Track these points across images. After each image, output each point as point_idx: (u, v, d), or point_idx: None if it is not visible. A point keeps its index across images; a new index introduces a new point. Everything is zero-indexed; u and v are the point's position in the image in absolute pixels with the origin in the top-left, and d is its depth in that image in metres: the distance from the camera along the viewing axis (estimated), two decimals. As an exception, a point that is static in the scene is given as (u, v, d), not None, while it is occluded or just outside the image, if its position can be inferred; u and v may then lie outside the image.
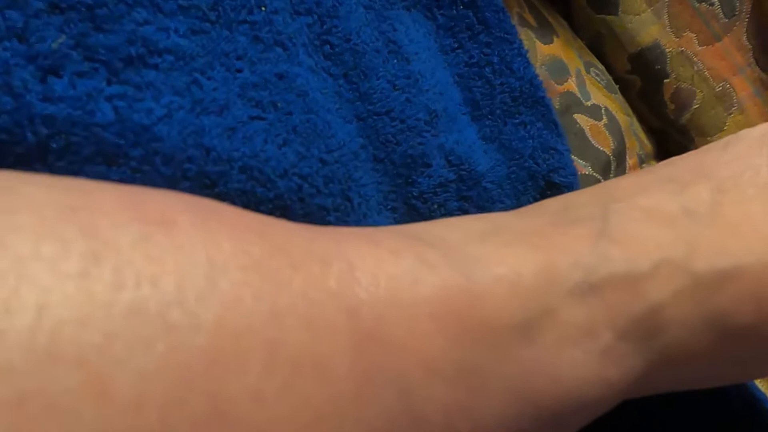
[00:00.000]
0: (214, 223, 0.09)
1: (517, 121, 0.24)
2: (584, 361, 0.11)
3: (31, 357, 0.06)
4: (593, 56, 0.34)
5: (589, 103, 0.30)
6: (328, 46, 0.19)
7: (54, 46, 0.12)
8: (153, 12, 0.14)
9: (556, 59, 0.30)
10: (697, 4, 0.30)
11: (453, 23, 0.24)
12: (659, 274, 0.11)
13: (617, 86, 0.34)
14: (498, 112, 0.23)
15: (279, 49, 0.17)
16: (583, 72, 0.32)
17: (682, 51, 0.31)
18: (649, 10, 0.32)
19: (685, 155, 0.15)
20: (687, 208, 0.12)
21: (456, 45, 0.24)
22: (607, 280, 0.11)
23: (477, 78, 0.23)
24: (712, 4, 0.30)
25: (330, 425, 0.08)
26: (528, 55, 0.26)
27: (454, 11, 0.24)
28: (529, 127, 0.24)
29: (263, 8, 0.17)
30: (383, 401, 0.08)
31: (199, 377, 0.07)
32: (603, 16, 0.33)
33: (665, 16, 0.31)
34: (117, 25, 0.13)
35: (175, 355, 0.07)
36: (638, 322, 0.11)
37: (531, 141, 0.23)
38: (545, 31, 0.31)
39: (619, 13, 0.33)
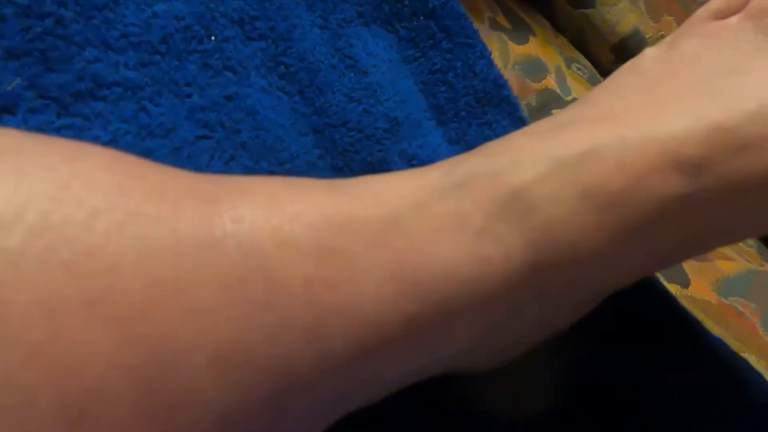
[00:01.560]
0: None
1: (482, 121, 0.24)
2: (458, 242, 0.11)
3: None
4: (577, 52, 0.34)
5: (569, 98, 0.30)
6: (282, 67, 0.20)
7: (9, 88, 0.14)
8: (103, 50, 0.16)
9: (532, 58, 0.30)
10: (673, -11, 0.30)
11: (414, 34, 0.24)
12: (520, 164, 0.12)
13: (602, 78, 0.33)
14: (463, 114, 0.24)
15: (229, 74, 0.18)
16: (564, 68, 0.32)
17: (662, 35, 0.31)
18: (625, 0, 0.31)
19: None
20: (556, 124, 0.14)
21: (419, 54, 0.24)
22: (471, 177, 0.12)
23: (441, 84, 0.24)
24: (687, -13, 0.29)
25: (144, 250, 0.08)
26: (497, 57, 0.26)
27: (415, 22, 0.25)
28: (494, 125, 0.24)
29: (213, 38, 0.19)
30: (226, 253, 0.09)
31: None
32: (582, 10, 0.34)
33: (641, 4, 0.31)
34: (68, 65, 0.15)
35: None
36: (506, 203, 0.12)
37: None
38: (520, 32, 0.31)
39: (597, 5, 0.33)
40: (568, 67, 0.32)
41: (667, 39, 0.16)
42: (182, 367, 0.08)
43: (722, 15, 0.16)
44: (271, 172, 0.18)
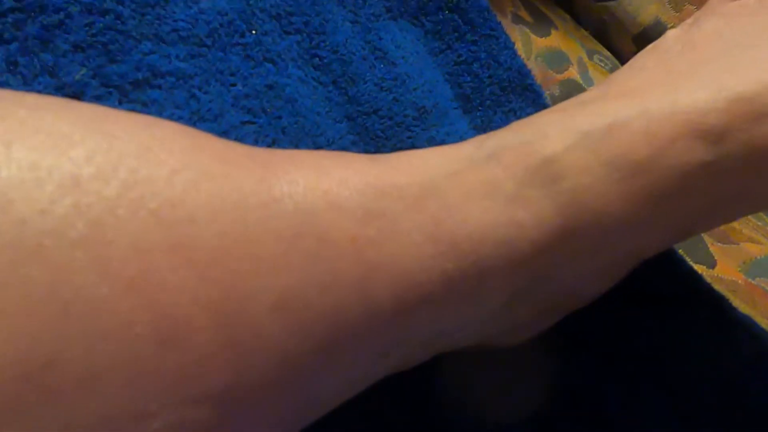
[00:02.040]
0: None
1: (507, 109, 0.25)
2: (491, 207, 0.12)
3: None
4: (598, 44, 0.34)
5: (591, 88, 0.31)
6: (317, 59, 0.21)
7: (77, 77, 0.16)
8: (157, 43, 0.17)
9: (554, 50, 0.31)
10: (694, -22, 0.30)
11: (440, 27, 0.25)
12: (548, 135, 0.13)
13: (625, 69, 0.34)
14: (488, 102, 0.25)
15: (269, 65, 0.20)
16: (586, 59, 0.32)
17: (684, 25, 0.31)
18: (646, -9, 0.32)
19: None
20: (580, 101, 0.15)
21: (444, 46, 0.25)
22: (502, 148, 0.13)
23: (466, 74, 0.25)
24: (709, -24, 0.30)
25: (223, 207, 0.10)
26: (520, 49, 0.27)
27: (440, 16, 0.26)
28: (519, 113, 0.25)
29: (254, 32, 0.20)
30: (284, 211, 0.10)
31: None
32: (603, 2, 0.34)
33: (663, -5, 0.31)
34: (127, 56, 0.16)
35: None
36: (536, 171, 0.13)
37: (521, 126, 0.24)
38: (542, 25, 0.32)
39: (618, -2, 0.33)
40: (590, 58, 0.33)
41: (689, 20, 0.17)
42: (250, 308, 0.10)
43: None
44: (309, 155, 0.19)
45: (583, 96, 0.15)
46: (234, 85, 0.18)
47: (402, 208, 0.12)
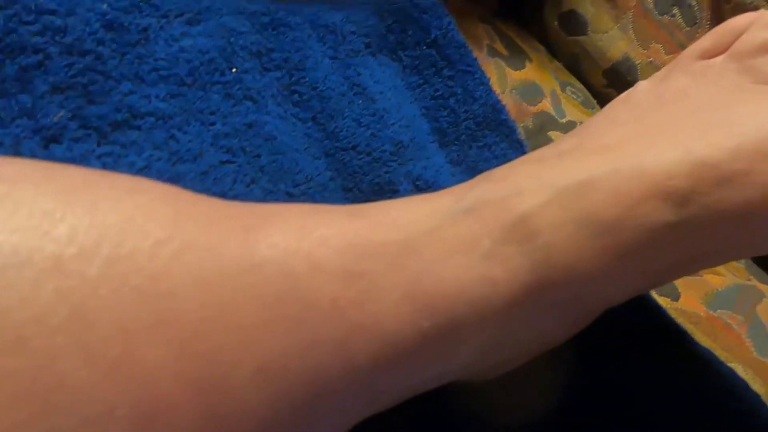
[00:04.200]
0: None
1: (482, 143, 0.25)
2: (467, 264, 0.13)
3: None
4: (571, 76, 0.36)
5: (564, 120, 0.32)
6: (296, 95, 0.22)
7: (55, 119, 0.16)
8: (137, 83, 0.17)
9: (528, 83, 0.32)
10: (660, 17, 0.31)
11: (418, 62, 0.26)
12: (524, 192, 0.14)
13: (596, 101, 0.35)
14: (463, 137, 0.25)
15: (249, 103, 0.20)
16: (559, 91, 0.33)
17: (651, 61, 0.32)
18: (615, 27, 0.33)
19: None
20: (558, 151, 0.15)
21: (422, 81, 0.26)
22: (480, 203, 0.14)
23: (442, 108, 0.26)
24: (673, 16, 0.31)
25: (221, 287, 0.10)
26: (495, 82, 0.28)
27: (418, 51, 0.26)
28: (493, 147, 0.25)
29: (234, 69, 0.20)
30: (264, 276, 0.10)
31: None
32: (575, 37, 0.35)
33: (631, 31, 0.33)
34: (107, 97, 0.17)
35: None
36: (512, 228, 0.13)
37: (495, 161, 0.25)
38: (517, 58, 0.33)
39: (589, 32, 0.35)
40: (563, 90, 0.34)
41: (659, 74, 0.18)
42: (231, 378, 0.10)
43: (708, 55, 0.18)
44: (288, 194, 0.19)
45: (561, 144, 0.16)
46: (213, 124, 0.18)
47: (382, 268, 0.12)
